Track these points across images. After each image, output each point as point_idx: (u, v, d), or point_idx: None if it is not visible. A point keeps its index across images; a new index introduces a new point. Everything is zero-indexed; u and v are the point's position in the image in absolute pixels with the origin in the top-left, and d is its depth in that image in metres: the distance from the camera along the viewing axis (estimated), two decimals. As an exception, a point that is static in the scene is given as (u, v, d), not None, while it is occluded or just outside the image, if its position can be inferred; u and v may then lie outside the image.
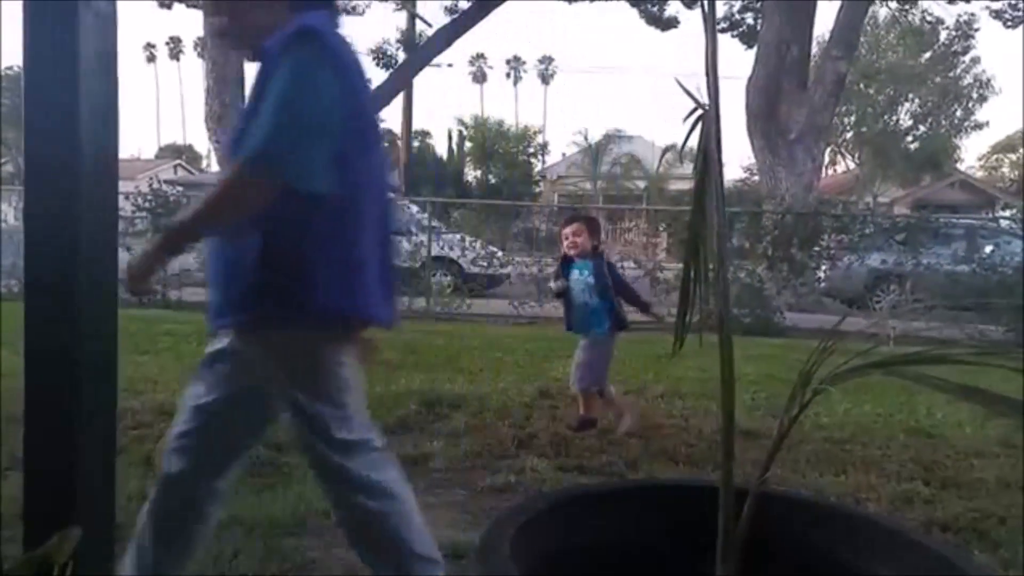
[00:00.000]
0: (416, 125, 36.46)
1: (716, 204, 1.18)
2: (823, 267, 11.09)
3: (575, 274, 4.55)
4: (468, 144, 48.86)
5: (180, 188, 15.77)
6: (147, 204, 11.44)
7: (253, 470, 3.33)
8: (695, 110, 1.24)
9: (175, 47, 74.44)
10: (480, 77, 71.74)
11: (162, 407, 4.30)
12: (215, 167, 31.90)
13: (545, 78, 73.41)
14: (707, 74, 1.20)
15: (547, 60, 72.87)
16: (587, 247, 4.54)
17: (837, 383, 1.17)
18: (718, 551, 1.23)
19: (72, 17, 1.26)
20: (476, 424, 4.33)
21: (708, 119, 1.20)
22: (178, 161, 45.27)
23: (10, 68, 40.47)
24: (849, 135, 33.15)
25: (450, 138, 48.52)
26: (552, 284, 4.94)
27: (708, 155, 1.21)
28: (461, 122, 50.09)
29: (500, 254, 11.96)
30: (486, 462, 3.66)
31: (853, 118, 31.99)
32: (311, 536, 2.70)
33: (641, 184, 38.32)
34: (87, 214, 1.26)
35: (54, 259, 1.24)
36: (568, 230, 4.63)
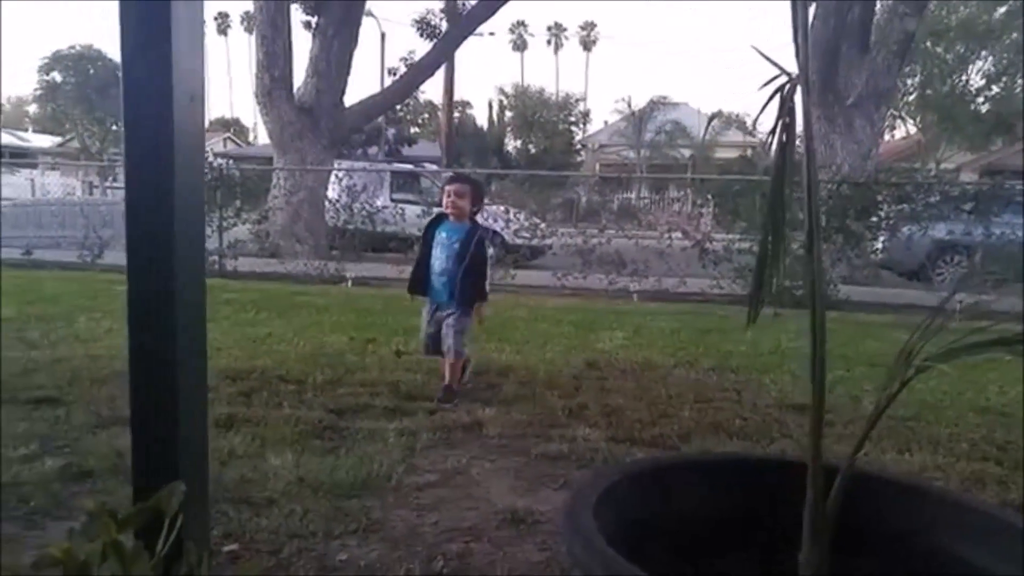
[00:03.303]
0: (456, 95, 36.29)
1: (810, 179, 1.17)
2: (881, 238, 10.76)
3: (442, 235, 4.30)
4: (509, 114, 48.58)
5: (231, 160, 16.05)
6: (201, 176, 11.70)
7: (316, 434, 3.45)
8: (776, 77, 1.23)
9: (223, 22, 75.13)
10: (521, 45, 70.97)
11: (225, 372, 4.46)
12: (263, 139, 32.40)
13: (587, 45, 72.32)
14: (795, 39, 1.18)
15: (589, 26, 71.74)
16: (466, 211, 4.35)
17: (947, 361, 1.13)
18: (805, 529, 1.23)
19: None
20: (525, 394, 4.38)
21: (794, 88, 1.18)
22: (227, 134, 46.03)
23: (72, 47, 41.50)
24: (912, 98, 31.72)
25: (491, 108, 48.36)
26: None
27: (792, 127, 1.19)
28: (502, 91, 49.83)
29: (543, 225, 11.95)
30: (538, 431, 3.70)
31: (918, 79, 30.48)
32: (373, 498, 2.78)
33: (687, 152, 37.75)
34: (180, 192, 1.32)
35: (153, 237, 1.31)
36: (451, 188, 4.39)
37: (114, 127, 38.42)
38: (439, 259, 4.29)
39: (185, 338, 1.34)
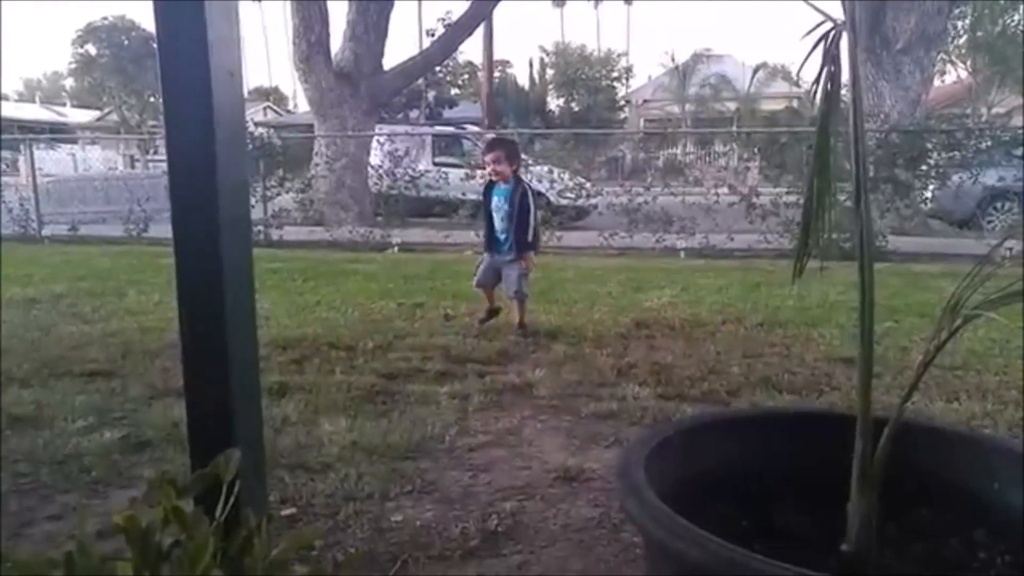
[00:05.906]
0: (496, 55, 35.78)
1: (857, 128, 1.13)
2: (930, 187, 10.45)
3: (496, 200, 4.91)
4: (550, 72, 47.98)
5: (272, 129, 16.20)
6: (245, 147, 11.81)
7: (368, 399, 3.52)
8: (821, 24, 1.18)
9: (258, -11, 74.87)
10: (560, 1, 69.55)
11: (275, 341, 4.54)
12: (303, 107, 32.53)
13: (628, -2, 70.44)
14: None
15: (629, -21, 69.70)
16: (507, 172, 4.88)
17: (993, 309, 1.11)
18: (854, 480, 1.22)
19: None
20: (575, 354, 4.39)
21: (839, 36, 1.14)
22: (267, 103, 46.21)
23: (105, 18, 41.92)
24: (962, 41, 30.44)
25: (531, 67, 47.84)
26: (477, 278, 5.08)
27: (837, 76, 1.15)
28: (542, 49, 49.18)
29: (588, 185, 11.80)
30: (588, 390, 3.72)
31: (968, 21, 29.26)
32: (427, 460, 2.84)
33: (732, 106, 36.87)
34: (222, 169, 1.33)
35: (198, 215, 1.34)
36: (488, 157, 4.97)
37: (151, 98, 38.34)
38: (497, 220, 4.92)
39: (234, 309, 1.37)
